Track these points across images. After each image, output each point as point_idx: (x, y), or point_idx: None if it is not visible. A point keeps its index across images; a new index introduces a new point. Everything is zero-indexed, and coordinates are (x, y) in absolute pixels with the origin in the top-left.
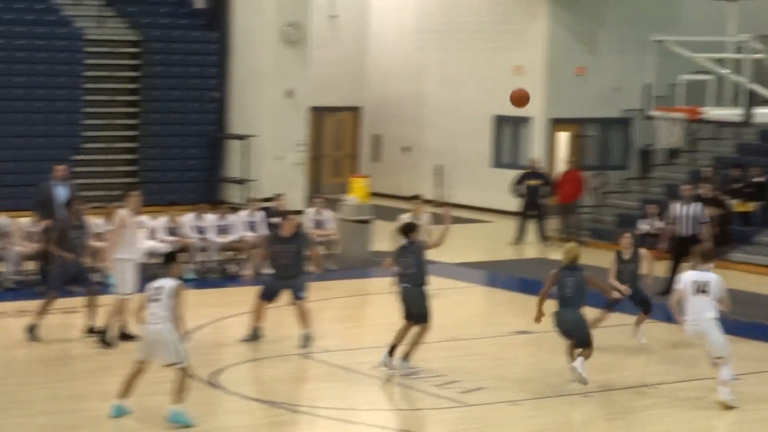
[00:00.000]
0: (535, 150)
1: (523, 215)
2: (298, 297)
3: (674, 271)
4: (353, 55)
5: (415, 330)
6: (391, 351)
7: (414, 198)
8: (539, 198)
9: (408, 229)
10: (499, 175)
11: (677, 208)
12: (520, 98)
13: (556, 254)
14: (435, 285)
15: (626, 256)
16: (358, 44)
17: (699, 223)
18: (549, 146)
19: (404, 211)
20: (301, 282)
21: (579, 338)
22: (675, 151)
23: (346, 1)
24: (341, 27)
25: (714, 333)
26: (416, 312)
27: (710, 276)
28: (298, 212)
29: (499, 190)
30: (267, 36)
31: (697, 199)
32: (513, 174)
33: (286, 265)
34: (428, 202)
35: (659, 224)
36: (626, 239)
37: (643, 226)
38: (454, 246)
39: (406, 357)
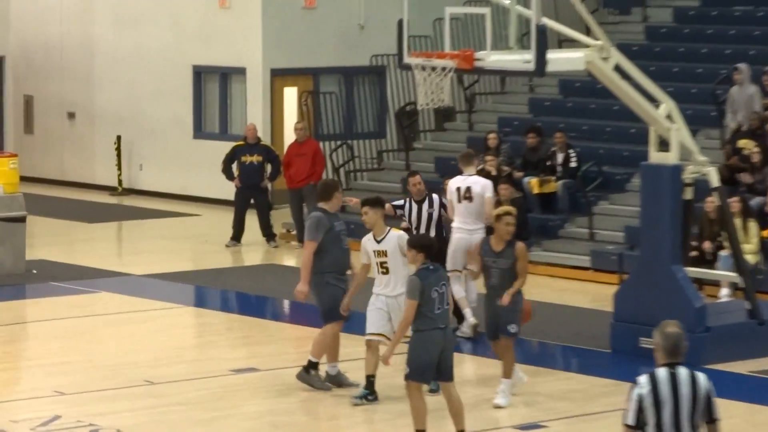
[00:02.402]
0: (252, 114)
1: (239, 205)
2: None
3: None
4: None
5: None
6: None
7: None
8: (260, 180)
9: (431, 247)
10: (204, 149)
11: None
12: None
13: (291, 258)
14: (121, 307)
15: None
16: None
17: None
18: (271, 108)
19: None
20: None
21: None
22: (447, 112)
23: None
24: None
25: None
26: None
27: None
28: None
29: (205, 170)
30: None
31: (485, 176)
32: (223, 148)
33: None
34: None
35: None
36: None
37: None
38: (146, 251)
39: None
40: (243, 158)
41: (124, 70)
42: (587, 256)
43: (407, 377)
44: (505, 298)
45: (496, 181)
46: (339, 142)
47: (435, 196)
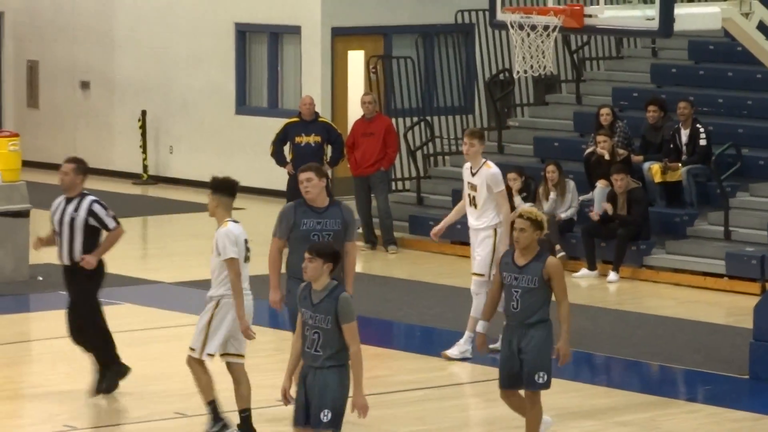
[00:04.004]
0: (308, 84)
1: (292, 196)
2: None
3: None
4: None
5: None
6: None
7: None
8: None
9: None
10: (249, 127)
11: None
12: None
13: (357, 262)
14: (147, 322)
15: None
16: None
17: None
18: (332, 77)
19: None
20: None
21: None
22: (549, 81)
23: None
24: None
25: None
26: None
27: None
28: None
29: (250, 153)
30: None
31: (597, 160)
32: (272, 126)
33: None
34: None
35: (525, 207)
36: None
37: None
38: (177, 253)
39: None
40: (297, 139)
41: (150, 30)
42: (721, 259)
43: (336, 427)
44: (563, 350)
45: (608, 167)
46: (416, 119)
47: None
